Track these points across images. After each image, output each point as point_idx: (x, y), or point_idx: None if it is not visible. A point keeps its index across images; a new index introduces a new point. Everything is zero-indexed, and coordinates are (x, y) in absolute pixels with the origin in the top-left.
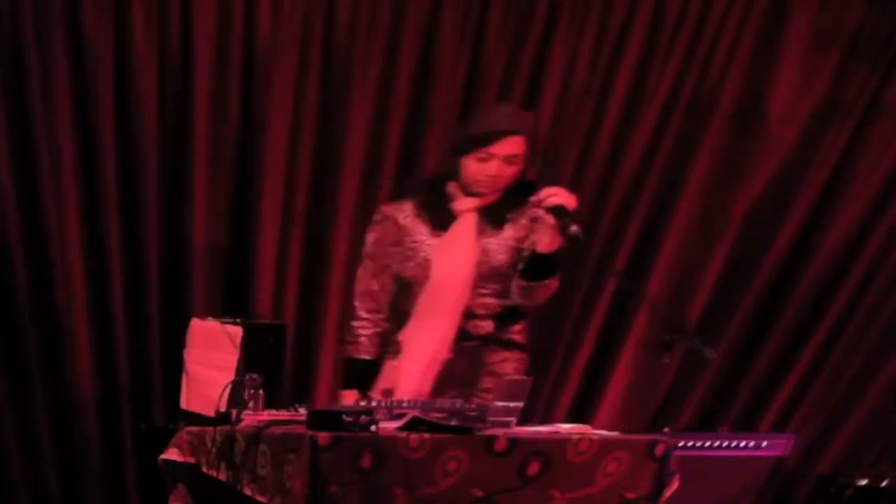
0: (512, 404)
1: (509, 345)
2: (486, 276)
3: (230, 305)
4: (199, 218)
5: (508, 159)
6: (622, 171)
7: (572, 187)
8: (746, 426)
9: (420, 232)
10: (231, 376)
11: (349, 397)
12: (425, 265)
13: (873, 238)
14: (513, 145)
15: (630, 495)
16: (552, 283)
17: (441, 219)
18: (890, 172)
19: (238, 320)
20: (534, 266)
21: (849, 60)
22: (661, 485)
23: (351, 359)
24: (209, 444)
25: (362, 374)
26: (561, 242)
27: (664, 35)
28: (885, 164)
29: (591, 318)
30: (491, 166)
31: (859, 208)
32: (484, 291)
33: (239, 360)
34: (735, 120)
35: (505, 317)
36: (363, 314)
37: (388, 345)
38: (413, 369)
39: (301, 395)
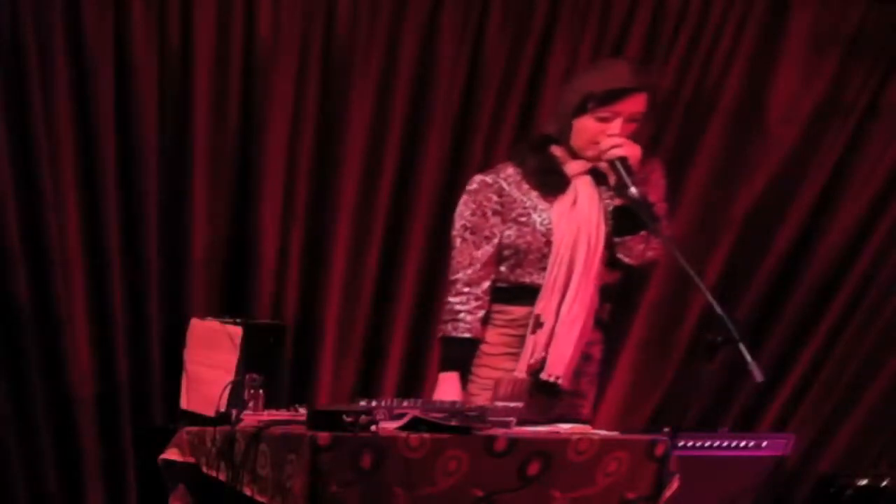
0: (512, 404)
1: (600, 324)
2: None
3: (230, 305)
4: (199, 218)
5: (631, 118)
6: None
7: None
8: (746, 426)
9: (530, 198)
10: (231, 376)
11: (450, 381)
12: (545, 232)
13: (873, 238)
14: (638, 103)
15: (630, 495)
16: (639, 240)
17: (552, 183)
18: (890, 172)
19: (238, 320)
20: (617, 219)
21: (849, 60)
22: (661, 485)
23: (450, 338)
24: (209, 444)
25: (464, 355)
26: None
27: (664, 35)
28: (885, 164)
29: None
30: (613, 126)
31: (859, 208)
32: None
33: (239, 360)
34: (735, 120)
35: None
36: (466, 290)
37: (489, 320)
38: (568, 339)
39: (301, 395)
